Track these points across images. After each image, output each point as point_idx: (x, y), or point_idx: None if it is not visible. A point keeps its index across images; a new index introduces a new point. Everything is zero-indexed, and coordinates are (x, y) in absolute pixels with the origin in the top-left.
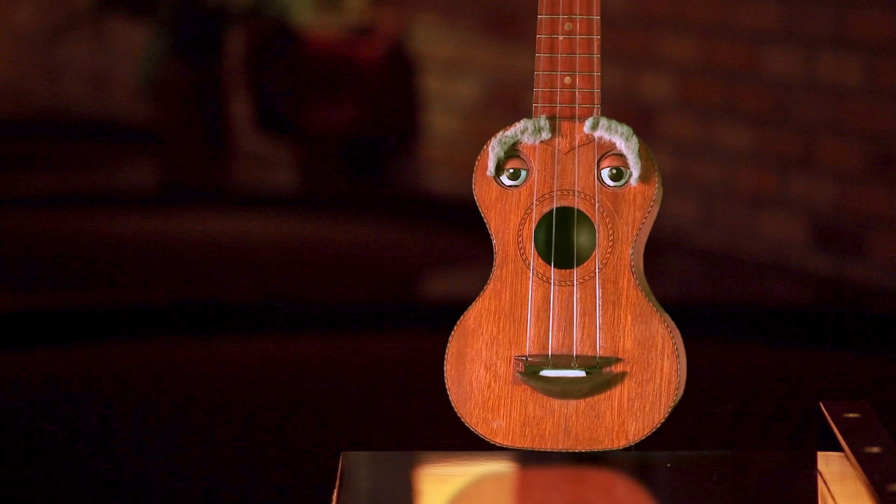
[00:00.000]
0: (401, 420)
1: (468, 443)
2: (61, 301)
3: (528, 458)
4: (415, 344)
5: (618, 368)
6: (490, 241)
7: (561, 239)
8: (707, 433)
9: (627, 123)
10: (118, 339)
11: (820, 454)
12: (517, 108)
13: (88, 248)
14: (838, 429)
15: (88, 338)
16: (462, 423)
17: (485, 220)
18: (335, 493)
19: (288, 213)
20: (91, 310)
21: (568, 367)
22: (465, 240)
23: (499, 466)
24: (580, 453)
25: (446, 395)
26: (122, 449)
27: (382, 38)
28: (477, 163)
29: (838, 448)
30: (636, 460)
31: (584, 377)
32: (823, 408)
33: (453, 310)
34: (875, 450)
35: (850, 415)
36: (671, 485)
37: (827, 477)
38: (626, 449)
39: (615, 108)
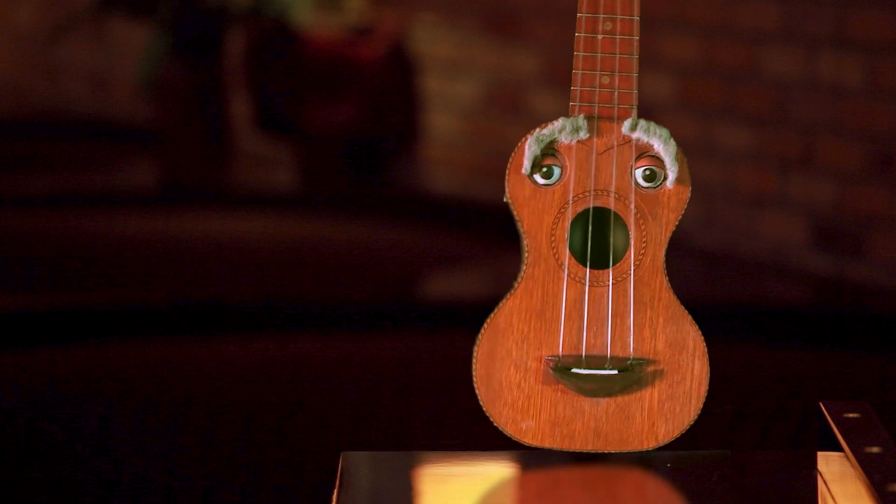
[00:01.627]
0: (401, 420)
1: (468, 443)
2: (61, 301)
3: (528, 459)
4: (415, 344)
5: (650, 369)
6: (519, 239)
7: (594, 239)
8: (707, 433)
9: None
10: (118, 339)
11: (820, 454)
12: (517, 108)
13: (88, 248)
14: (838, 429)
15: (88, 338)
16: (459, 425)
17: (516, 219)
18: (335, 493)
19: (288, 213)
20: (91, 310)
21: (601, 367)
22: (465, 240)
23: (499, 467)
24: (581, 453)
25: (446, 395)
26: (122, 449)
27: (382, 38)
28: (511, 160)
29: (838, 448)
30: (636, 460)
31: (616, 375)
32: (823, 408)
33: (453, 310)
34: (875, 450)
35: (850, 415)
36: (671, 485)
37: (827, 477)
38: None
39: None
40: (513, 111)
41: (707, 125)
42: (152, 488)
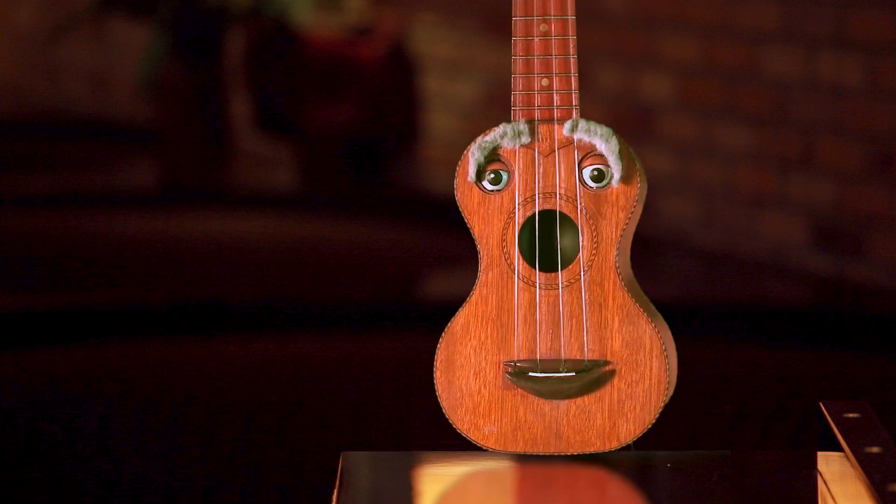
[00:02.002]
0: (401, 420)
1: (468, 443)
2: (61, 301)
3: (528, 458)
4: (415, 344)
5: (607, 369)
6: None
7: (545, 242)
8: (707, 433)
9: (625, 124)
10: (118, 339)
11: (820, 454)
12: None
13: (88, 248)
14: (838, 429)
15: (88, 338)
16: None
17: (468, 226)
18: (335, 493)
19: (288, 213)
20: (91, 310)
21: (557, 370)
22: (465, 240)
23: (498, 466)
24: (581, 453)
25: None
26: (122, 449)
27: (382, 38)
28: (458, 169)
29: (838, 448)
30: (636, 460)
31: (573, 376)
32: (823, 408)
33: (453, 310)
34: (875, 450)
35: (850, 415)
36: (671, 485)
37: (827, 477)
38: (624, 448)
39: (615, 108)
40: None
41: (707, 125)
42: (152, 488)
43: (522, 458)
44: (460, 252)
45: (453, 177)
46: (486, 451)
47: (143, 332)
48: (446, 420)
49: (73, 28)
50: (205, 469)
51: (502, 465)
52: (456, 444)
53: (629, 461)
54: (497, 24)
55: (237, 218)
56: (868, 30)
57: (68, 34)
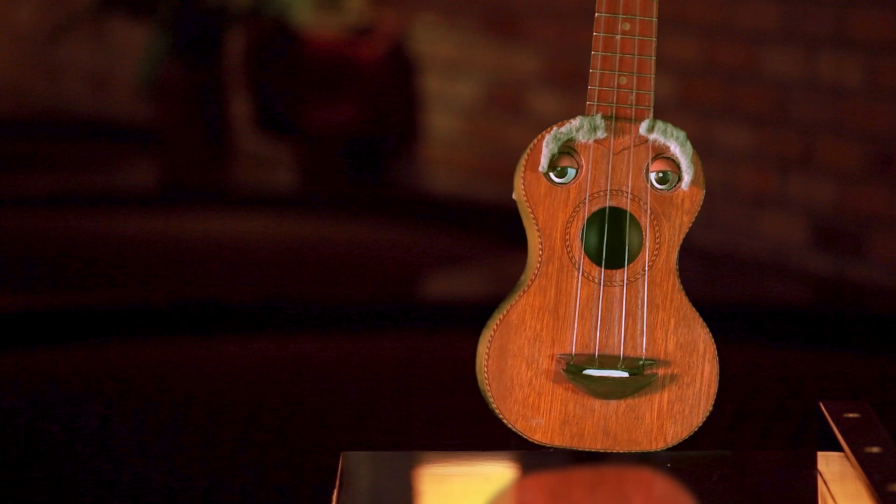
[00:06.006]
0: (401, 420)
1: (468, 443)
2: (61, 301)
3: (528, 458)
4: (415, 344)
5: (661, 371)
6: (525, 237)
7: (608, 239)
8: (707, 433)
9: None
10: (118, 339)
11: (820, 454)
12: (517, 108)
13: (88, 248)
14: (838, 429)
15: (88, 338)
16: (459, 425)
17: (531, 216)
18: (335, 493)
19: (288, 213)
20: (91, 310)
21: (614, 367)
22: (465, 240)
23: (499, 467)
24: (581, 452)
25: (446, 395)
26: (122, 449)
27: (382, 38)
28: (526, 157)
29: (838, 448)
30: (636, 459)
31: (628, 378)
32: (823, 408)
33: (453, 310)
34: (875, 450)
35: (850, 415)
36: (669, 484)
37: (827, 477)
38: None
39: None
40: (513, 111)
41: (707, 125)
42: (152, 488)
43: (521, 458)
44: (460, 252)
45: (453, 177)
46: (534, 444)
47: (143, 332)
48: (446, 420)
49: (73, 28)
50: (205, 469)
51: (503, 467)
52: (456, 444)
53: (628, 461)
54: (497, 24)
55: (237, 218)
56: (868, 30)
57: (68, 34)
